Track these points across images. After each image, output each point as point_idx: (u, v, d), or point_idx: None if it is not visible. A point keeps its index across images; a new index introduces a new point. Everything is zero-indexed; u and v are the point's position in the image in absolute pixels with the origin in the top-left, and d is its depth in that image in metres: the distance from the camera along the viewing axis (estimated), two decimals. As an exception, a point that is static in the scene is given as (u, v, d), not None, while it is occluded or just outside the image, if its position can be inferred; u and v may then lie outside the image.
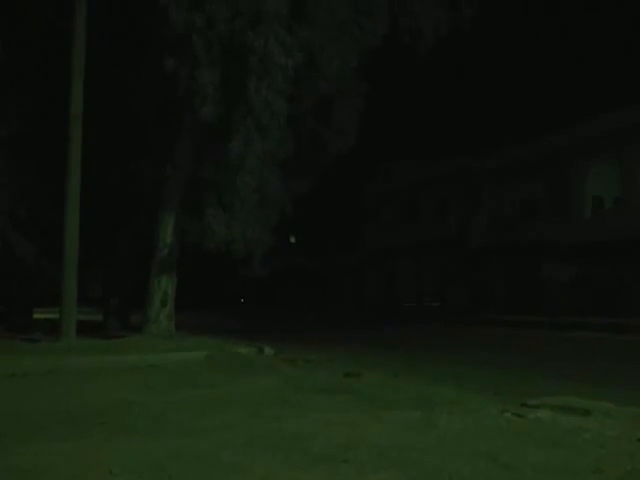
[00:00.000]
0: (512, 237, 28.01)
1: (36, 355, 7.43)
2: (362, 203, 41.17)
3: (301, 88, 10.80)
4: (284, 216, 12.49)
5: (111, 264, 15.01)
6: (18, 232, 13.04)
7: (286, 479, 2.77)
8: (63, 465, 2.95)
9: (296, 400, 4.75)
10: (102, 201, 13.31)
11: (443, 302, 31.53)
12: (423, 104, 63.52)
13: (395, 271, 37.25)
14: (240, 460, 3.01)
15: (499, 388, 5.66)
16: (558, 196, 27.19)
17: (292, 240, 47.15)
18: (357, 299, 40.77)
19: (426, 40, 11.88)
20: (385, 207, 38.81)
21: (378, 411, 4.28)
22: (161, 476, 2.80)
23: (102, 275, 16.93)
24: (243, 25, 9.66)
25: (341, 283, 45.35)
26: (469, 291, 30.66)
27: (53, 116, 11.31)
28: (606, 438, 3.39)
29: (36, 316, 14.31)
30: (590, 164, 25.77)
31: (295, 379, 6.08)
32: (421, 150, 50.11)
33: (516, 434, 3.54)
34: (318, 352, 9.90)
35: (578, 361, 9.54)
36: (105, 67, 11.42)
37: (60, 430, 3.69)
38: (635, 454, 3.08)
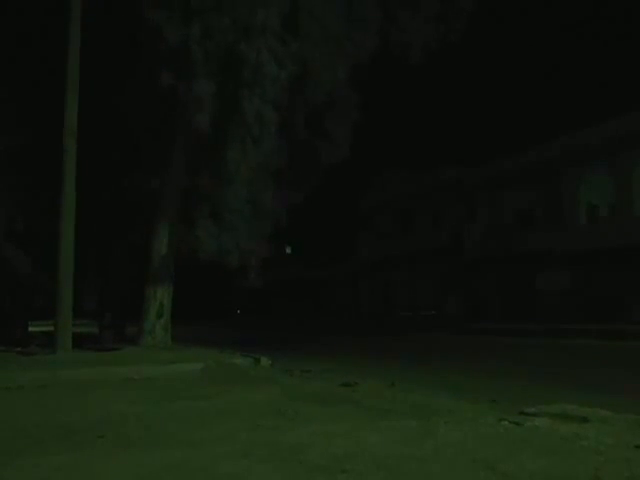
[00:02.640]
0: (507, 246, 28.09)
1: (32, 368, 7.40)
2: (357, 213, 41.27)
3: (294, 99, 10.86)
4: (279, 226, 12.51)
5: (107, 276, 14.98)
6: (14, 245, 13.01)
7: (284, 490, 2.77)
8: (60, 479, 2.94)
9: (293, 410, 4.74)
10: (97, 213, 13.31)
11: (439, 311, 31.52)
12: (417, 115, 63.90)
13: (391, 281, 37.27)
14: (238, 471, 3.00)
15: (496, 396, 5.66)
16: (552, 205, 27.29)
17: (288, 250, 47.15)
18: (353, 309, 40.74)
19: (416, 54, 12.02)
20: (380, 217, 38.90)
21: (376, 421, 4.27)
22: (159, 488, 2.78)
23: (98, 287, 16.89)
24: (236, 37, 9.73)
25: (337, 293, 45.34)
26: (465, 300, 30.69)
27: (48, 130, 11.33)
28: (604, 445, 3.39)
29: (32, 329, 14.23)
30: (584, 172, 25.90)
31: (292, 389, 6.07)
32: (415, 160, 50.37)
33: (514, 442, 3.54)
34: (315, 362, 9.89)
35: (575, 368, 9.54)
36: (99, 81, 11.46)
37: (57, 444, 3.67)
38: (633, 461, 3.08)
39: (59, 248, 9.42)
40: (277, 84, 9.87)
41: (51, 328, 9.88)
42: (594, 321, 20.94)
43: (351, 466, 3.05)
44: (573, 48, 61.28)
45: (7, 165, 12.45)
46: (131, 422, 4.34)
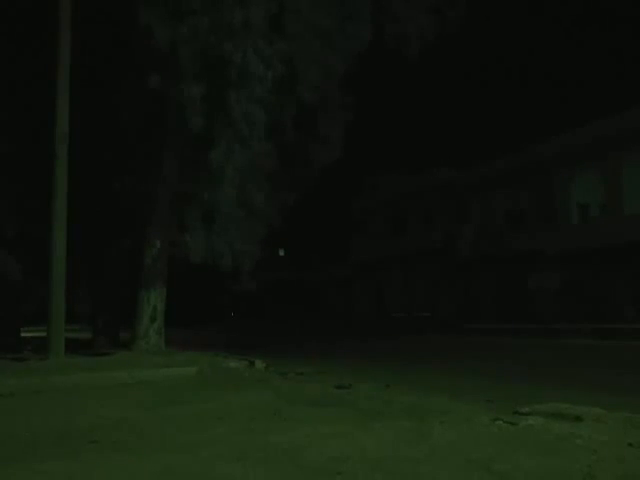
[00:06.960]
0: (500, 246, 28.18)
1: (24, 374, 7.34)
2: (350, 215, 41.29)
3: (284, 99, 10.81)
4: (272, 229, 12.48)
5: (100, 281, 14.91)
6: (5, 251, 12.93)
7: (280, 493, 2.76)
8: (54, 485, 2.92)
9: (288, 413, 4.73)
10: (89, 218, 13.25)
11: (433, 312, 31.57)
12: (409, 116, 64.06)
13: (384, 282, 37.30)
14: (233, 474, 2.99)
15: (491, 396, 5.67)
16: (544, 205, 27.41)
17: (281, 253, 47.12)
18: (347, 311, 40.74)
19: (412, 45, 11.91)
20: (373, 219, 38.94)
21: (371, 422, 4.27)
22: (153, 493, 2.77)
23: (91, 292, 16.81)
24: (222, 37, 9.68)
25: (331, 295, 45.32)
26: (459, 301, 30.75)
27: (39, 134, 11.27)
28: (597, 443, 3.40)
29: (24, 335, 14.16)
30: (575, 172, 26.04)
31: (287, 392, 6.06)
32: (407, 162, 50.50)
33: (508, 442, 3.54)
34: (309, 365, 9.88)
35: (568, 367, 9.58)
36: (89, 84, 11.41)
37: (51, 449, 3.65)
38: (626, 459, 3.09)
39: (51, 253, 9.35)
40: (264, 84, 9.81)
41: (43, 333, 9.81)
42: (587, 320, 21.04)
43: (346, 468, 3.05)
44: (565, 48, 61.65)
45: (-2, 170, 12.40)
46: (125, 427, 4.32)
